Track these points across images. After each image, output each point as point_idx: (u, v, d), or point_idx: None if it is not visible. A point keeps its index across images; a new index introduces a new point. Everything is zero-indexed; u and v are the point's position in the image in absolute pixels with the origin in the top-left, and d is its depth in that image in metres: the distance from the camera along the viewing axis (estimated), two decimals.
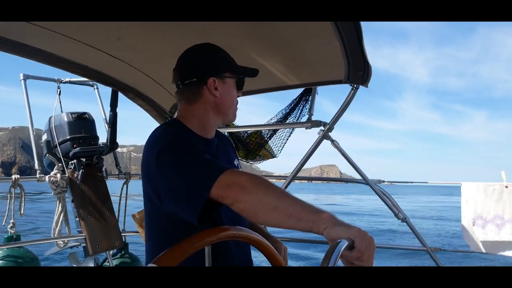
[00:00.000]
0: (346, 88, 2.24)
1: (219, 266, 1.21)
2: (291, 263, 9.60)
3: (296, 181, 2.79)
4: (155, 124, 2.47)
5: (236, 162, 1.54)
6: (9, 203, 2.74)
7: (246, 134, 3.01)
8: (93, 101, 3.44)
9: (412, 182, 2.93)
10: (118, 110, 2.90)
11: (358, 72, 2.03)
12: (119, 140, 3.04)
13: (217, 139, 1.46)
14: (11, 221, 2.75)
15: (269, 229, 1.68)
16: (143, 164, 1.26)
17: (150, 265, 0.85)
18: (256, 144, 3.00)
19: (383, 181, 2.70)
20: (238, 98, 1.46)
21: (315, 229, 0.92)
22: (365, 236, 0.86)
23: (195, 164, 1.13)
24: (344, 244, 0.81)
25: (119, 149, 3.45)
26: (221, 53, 1.41)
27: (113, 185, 3.11)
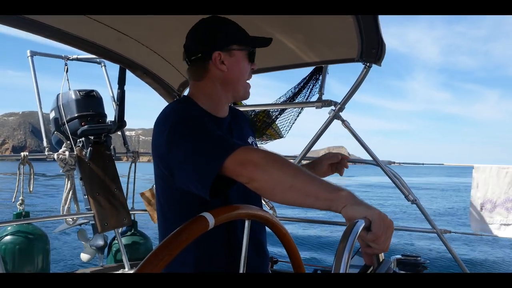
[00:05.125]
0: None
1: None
2: (306, 247, 9.56)
3: (304, 162, 2.76)
4: (164, 107, 2.44)
5: (250, 140, 1.50)
6: (18, 180, 2.75)
7: (253, 113, 2.96)
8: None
9: (423, 164, 2.88)
10: (125, 92, 2.86)
11: (371, 50, 1.97)
12: (127, 123, 3.02)
13: (230, 117, 1.42)
14: (20, 198, 2.77)
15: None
16: (153, 142, 1.23)
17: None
18: (263, 122, 2.95)
19: (394, 162, 2.66)
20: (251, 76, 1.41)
21: (334, 208, 0.89)
22: (384, 219, 0.83)
23: (206, 139, 1.11)
24: (361, 224, 0.78)
25: (127, 133, 3.43)
26: (227, 25, 1.35)
27: (121, 168, 3.11)
